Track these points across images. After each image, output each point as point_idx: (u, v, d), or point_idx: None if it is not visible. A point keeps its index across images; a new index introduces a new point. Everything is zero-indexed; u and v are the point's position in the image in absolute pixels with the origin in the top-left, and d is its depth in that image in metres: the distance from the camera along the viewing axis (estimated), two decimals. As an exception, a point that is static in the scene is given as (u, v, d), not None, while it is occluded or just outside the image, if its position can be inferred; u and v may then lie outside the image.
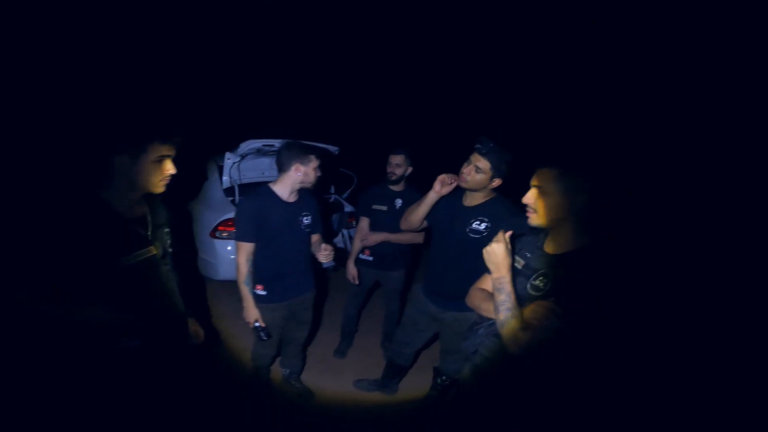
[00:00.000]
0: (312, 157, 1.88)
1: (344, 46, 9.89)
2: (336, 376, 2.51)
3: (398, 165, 2.40)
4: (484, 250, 1.20)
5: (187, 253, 3.33)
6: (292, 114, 8.28)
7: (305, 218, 1.98)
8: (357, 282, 2.57)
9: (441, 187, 1.77)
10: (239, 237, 1.87)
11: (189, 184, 3.61)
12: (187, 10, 8.02)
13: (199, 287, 3.34)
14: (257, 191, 1.95)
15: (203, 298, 3.26)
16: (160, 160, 1.14)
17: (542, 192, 1.12)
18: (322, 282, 2.20)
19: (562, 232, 1.13)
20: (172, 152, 1.16)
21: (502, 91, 8.80)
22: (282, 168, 1.89)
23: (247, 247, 1.86)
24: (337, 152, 3.45)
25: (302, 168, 1.87)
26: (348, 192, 4.05)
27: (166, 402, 1.33)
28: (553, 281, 1.12)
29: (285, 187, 1.92)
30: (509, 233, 1.21)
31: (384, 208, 2.48)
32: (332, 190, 3.90)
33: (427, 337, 2.13)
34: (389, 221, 2.42)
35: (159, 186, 1.18)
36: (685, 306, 2.89)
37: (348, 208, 3.71)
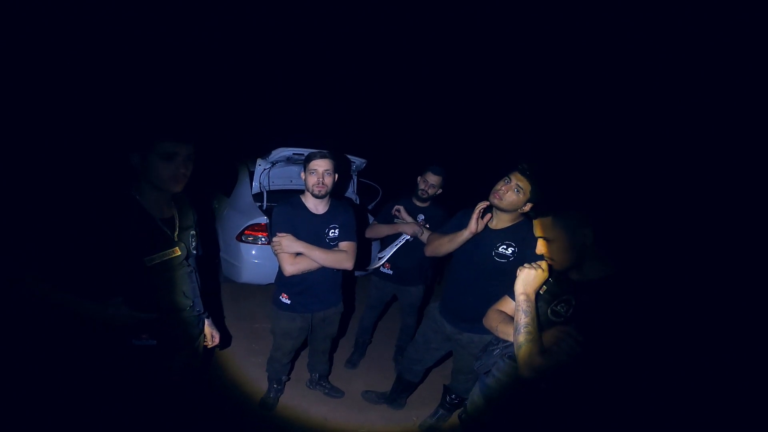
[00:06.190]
0: (312, 161, 1.80)
1: (384, 61, 10.10)
2: (345, 386, 2.51)
3: (433, 186, 2.35)
4: (520, 268, 1.21)
5: (209, 254, 3.43)
6: (325, 125, 8.50)
7: (332, 231, 1.92)
8: (424, 226, 2.32)
9: (477, 226, 1.69)
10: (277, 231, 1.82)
11: (219, 185, 3.75)
12: (221, 13, 8.35)
13: (217, 289, 3.42)
14: (289, 200, 1.93)
15: (220, 300, 3.33)
16: (169, 157, 1.12)
17: (549, 240, 1.14)
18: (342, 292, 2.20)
19: (585, 264, 1.13)
20: (182, 150, 1.14)
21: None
22: None
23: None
24: (364, 164, 3.51)
25: (303, 174, 1.85)
26: (373, 204, 4.08)
27: (173, 401, 1.34)
28: (574, 308, 1.11)
29: (308, 197, 1.91)
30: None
31: None
32: (357, 201, 3.94)
33: (439, 356, 2.10)
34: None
35: (171, 184, 1.15)
36: (711, 335, 2.73)
37: (372, 219, 3.74)
